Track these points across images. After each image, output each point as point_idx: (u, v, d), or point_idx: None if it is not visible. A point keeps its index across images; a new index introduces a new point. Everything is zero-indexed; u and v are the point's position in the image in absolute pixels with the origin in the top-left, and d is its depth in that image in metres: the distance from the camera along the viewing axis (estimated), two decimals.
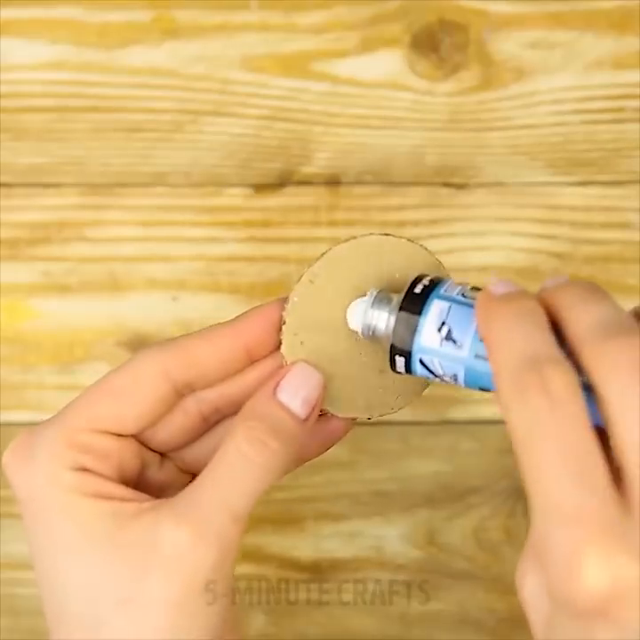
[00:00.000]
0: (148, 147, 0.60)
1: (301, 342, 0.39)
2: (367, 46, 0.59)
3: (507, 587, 0.58)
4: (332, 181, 0.59)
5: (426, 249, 0.40)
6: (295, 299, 0.38)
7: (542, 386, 0.31)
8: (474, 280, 0.59)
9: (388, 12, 0.59)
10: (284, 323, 0.38)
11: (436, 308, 0.37)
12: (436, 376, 0.37)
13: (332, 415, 0.40)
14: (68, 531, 0.36)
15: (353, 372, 0.39)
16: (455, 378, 0.37)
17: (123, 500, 0.36)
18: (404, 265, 0.39)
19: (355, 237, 0.39)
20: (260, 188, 0.59)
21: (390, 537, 0.59)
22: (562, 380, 0.31)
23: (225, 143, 0.59)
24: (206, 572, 0.35)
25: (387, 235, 0.39)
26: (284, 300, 0.39)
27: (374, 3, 0.59)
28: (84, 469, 0.37)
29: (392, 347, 0.37)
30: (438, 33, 0.59)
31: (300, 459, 0.39)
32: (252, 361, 0.39)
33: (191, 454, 0.40)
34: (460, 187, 0.59)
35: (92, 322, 0.59)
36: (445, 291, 0.37)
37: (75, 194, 0.59)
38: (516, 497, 0.58)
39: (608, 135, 0.59)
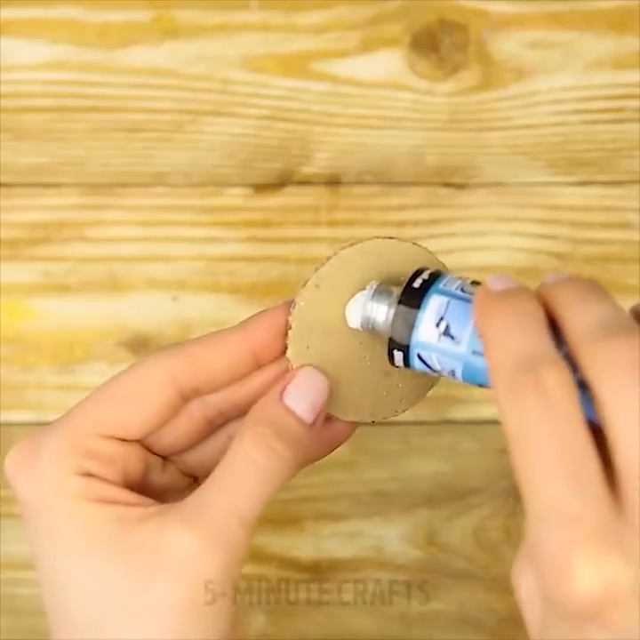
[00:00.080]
0: (147, 147, 0.59)
1: (307, 347, 0.39)
2: (367, 46, 0.59)
3: (507, 587, 0.58)
4: (332, 181, 0.59)
5: (430, 252, 0.40)
6: (301, 303, 0.38)
7: (537, 386, 0.31)
8: None
9: (388, 11, 0.59)
10: (290, 327, 0.38)
11: (434, 303, 0.37)
12: (434, 371, 0.37)
13: (337, 419, 0.40)
14: (72, 535, 0.36)
15: (358, 375, 0.39)
16: (453, 373, 0.37)
17: (128, 504, 0.36)
18: (409, 268, 0.39)
19: (360, 241, 0.39)
20: (260, 187, 0.59)
21: (390, 537, 0.59)
22: (557, 380, 0.31)
23: (225, 143, 0.59)
24: (214, 576, 0.35)
25: (391, 238, 0.39)
26: (290, 303, 0.39)
27: (374, 3, 0.59)
28: (89, 475, 0.37)
29: (390, 341, 0.37)
30: (438, 33, 0.59)
31: (304, 462, 0.39)
32: (258, 365, 0.39)
33: (194, 457, 0.40)
34: (460, 187, 0.59)
35: (92, 322, 0.59)
36: (445, 285, 0.37)
37: (75, 194, 0.59)
38: (516, 497, 0.58)
39: (608, 135, 0.59)
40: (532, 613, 0.32)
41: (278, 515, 0.58)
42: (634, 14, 0.59)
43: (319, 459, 0.40)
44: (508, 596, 0.58)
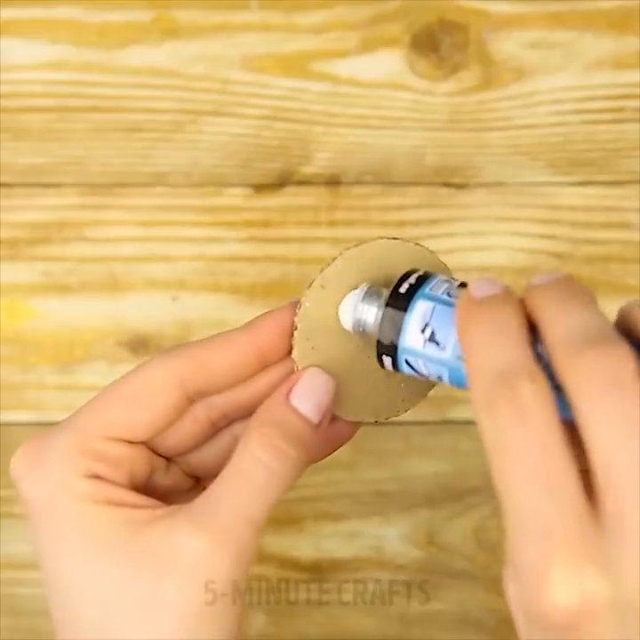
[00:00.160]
0: (148, 147, 0.59)
1: (313, 347, 0.39)
2: (367, 46, 0.59)
3: None
4: (332, 181, 0.59)
5: (433, 253, 0.40)
6: (307, 304, 0.38)
7: (512, 399, 0.30)
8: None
9: (388, 11, 0.59)
10: (296, 328, 0.38)
11: (419, 309, 0.37)
12: (422, 375, 0.37)
13: (340, 419, 0.40)
14: (78, 537, 0.36)
15: (361, 376, 0.39)
16: (440, 378, 0.37)
17: (135, 507, 0.36)
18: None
19: (364, 242, 0.39)
20: (260, 187, 0.59)
21: (390, 537, 0.59)
22: (532, 393, 0.30)
23: (225, 143, 0.59)
24: (223, 577, 0.35)
25: (395, 239, 0.39)
26: (295, 304, 0.39)
27: (374, 3, 0.59)
28: (97, 477, 0.37)
29: (378, 345, 0.37)
30: (438, 33, 0.59)
31: (309, 462, 0.39)
32: (263, 366, 0.39)
33: (197, 458, 0.40)
34: (460, 187, 0.59)
35: (92, 322, 0.59)
36: (431, 289, 0.37)
37: (75, 194, 0.59)
38: None
39: (608, 135, 0.59)
40: (518, 619, 0.32)
41: (278, 515, 0.58)
42: (634, 14, 0.59)
43: (323, 458, 0.40)
44: None
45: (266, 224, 0.59)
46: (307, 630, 0.58)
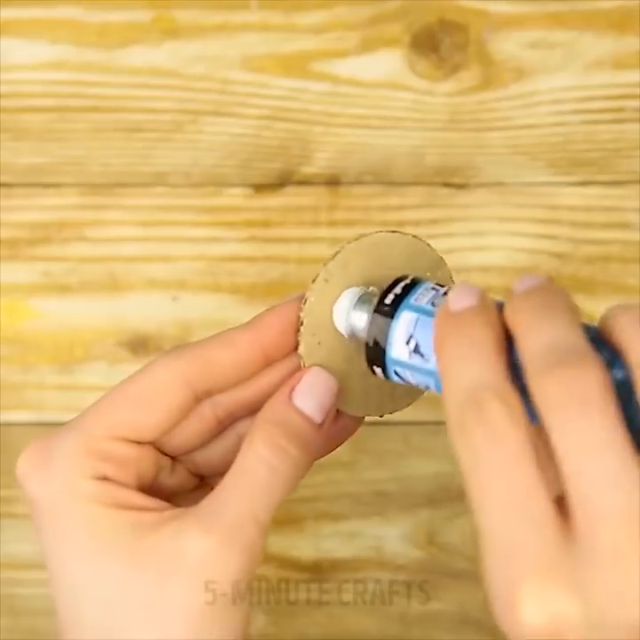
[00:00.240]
0: (148, 147, 0.59)
1: (319, 342, 0.38)
2: (367, 46, 0.59)
3: None
4: (332, 181, 0.59)
5: (429, 245, 0.40)
6: (312, 299, 0.38)
7: (481, 420, 0.30)
8: (474, 280, 0.59)
9: (388, 11, 0.59)
10: (302, 323, 0.38)
11: (404, 321, 0.36)
12: (411, 385, 0.37)
13: (344, 414, 0.40)
14: (83, 539, 0.36)
15: (365, 369, 0.39)
16: (428, 388, 0.37)
17: (142, 509, 0.36)
18: (410, 262, 0.39)
19: (363, 235, 0.39)
20: (261, 187, 0.59)
21: (390, 537, 0.59)
22: (501, 414, 0.30)
23: (225, 143, 0.59)
24: (231, 577, 0.35)
25: (394, 232, 0.39)
26: (299, 299, 0.38)
27: (374, 3, 0.59)
28: (104, 478, 0.37)
29: (367, 356, 0.38)
30: (438, 33, 0.59)
31: (313, 460, 0.39)
32: (268, 363, 0.39)
33: (203, 457, 0.40)
34: (460, 187, 0.59)
35: (92, 322, 0.59)
36: (416, 300, 0.37)
37: (75, 194, 0.59)
38: None
39: (608, 135, 0.59)
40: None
41: (278, 515, 0.58)
42: (634, 14, 0.59)
43: (324, 455, 0.40)
44: None
45: (266, 224, 0.59)
46: (307, 630, 0.58)
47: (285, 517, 0.59)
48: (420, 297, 0.37)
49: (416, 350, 0.36)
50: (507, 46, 0.59)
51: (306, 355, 0.38)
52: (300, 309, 0.38)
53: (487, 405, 0.30)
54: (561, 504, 0.30)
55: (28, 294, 0.59)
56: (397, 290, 0.37)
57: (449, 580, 0.59)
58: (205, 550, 0.35)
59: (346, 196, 0.59)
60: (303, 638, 0.59)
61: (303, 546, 0.59)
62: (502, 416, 0.30)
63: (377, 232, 0.39)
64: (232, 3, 0.59)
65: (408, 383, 0.37)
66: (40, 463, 0.37)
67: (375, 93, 0.59)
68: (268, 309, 0.39)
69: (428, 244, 0.40)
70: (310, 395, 0.38)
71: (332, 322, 0.39)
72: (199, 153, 0.59)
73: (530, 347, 0.31)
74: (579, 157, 0.59)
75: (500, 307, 0.33)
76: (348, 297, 0.38)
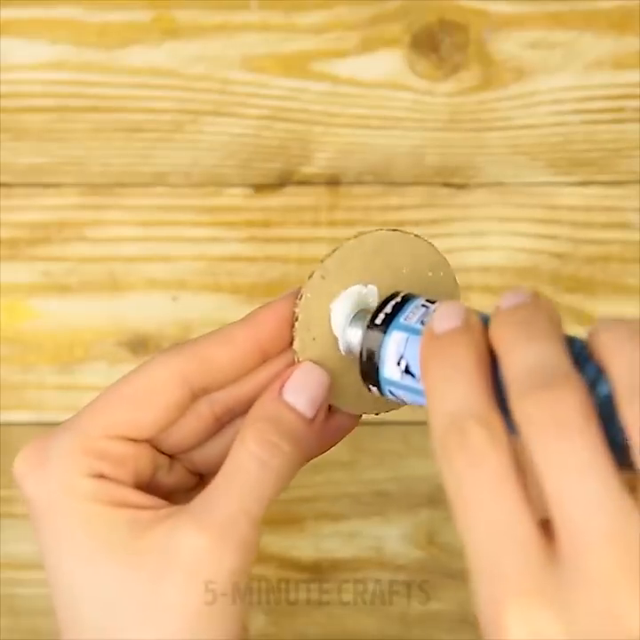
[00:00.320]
0: (148, 147, 0.60)
1: (314, 338, 0.38)
2: (367, 46, 0.59)
3: None
4: (332, 181, 0.59)
5: (431, 244, 0.40)
6: (308, 294, 0.38)
7: (463, 445, 0.30)
8: (475, 280, 0.59)
9: (388, 11, 0.59)
10: (297, 319, 0.38)
11: (394, 341, 0.36)
12: (405, 403, 0.37)
13: (340, 412, 0.40)
14: (80, 537, 0.36)
15: None
16: (422, 406, 0.37)
17: (139, 507, 0.36)
18: (411, 261, 0.39)
19: (363, 233, 0.39)
20: (261, 187, 0.59)
21: (390, 537, 0.59)
22: (483, 438, 0.30)
23: (225, 143, 0.59)
24: (226, 575, 0.35)
25: (394, 230, 0.39)
26: (294, 295, 0.38)
27: (374, 3, 0.59)
28: (101, 476, 0.37)
29: (362, 375, 0.38)
30: (438, 33, 0.59)
31: (307, 456, 0.39)
32: (264, 359, 0.39)
33: (201, 455, 0.40)
34: (460, 187, 0.59)
35: (92, 322, 0.59)
36: (406, 319, 0.37)
37: (75, 194, 0.59)
38: None
39: (608, 135, 0.59)
40: None
41: (278, 515, 0.58)
42: (634, 14, 0.59)
43: (322, 452, 0.40)
44: None
45: (266, 224, 0.59)
46: (307, 630, 0.58)
47: (285, 517, 0.59)
48: (410, 315, 0.37)
49: (407, 370, 0.36)
50: (507, 46, 0.59)
51: (300, 350, 0.38)
52: (296, 305, 0.38)
53: (470, 430, 0.30)
54: (546, 526, 0.30)
55: (27, 294, 0.59)
56: (388, 309, 0.37)
57: (449, 580, 0.59)
58: (199, 547, 0.35)
59: (346, 196, 0.59)
60: (303, 638, 0.59)
61: (303, 546, 0.59)
62: (483, 440, 0.30)
63: (377, 230, 0.39)
64: (232, 3, 0.59)
65: (403, 402, 0.37)
66: (37, 463, 0.37)
67: (375, 93, 0.59)
68: (263, 305, 0.39)
69: (431, 243, 0.40)
70: (301, 390, 0.38)
71: (328, 319, 0.39)
72: (199, 153, 0.59)
73: (512, 366, 0.31)
74: (579, 157, 0.59)
75: (486, 321, 0.33)
76: (343, 311, 0.38)
